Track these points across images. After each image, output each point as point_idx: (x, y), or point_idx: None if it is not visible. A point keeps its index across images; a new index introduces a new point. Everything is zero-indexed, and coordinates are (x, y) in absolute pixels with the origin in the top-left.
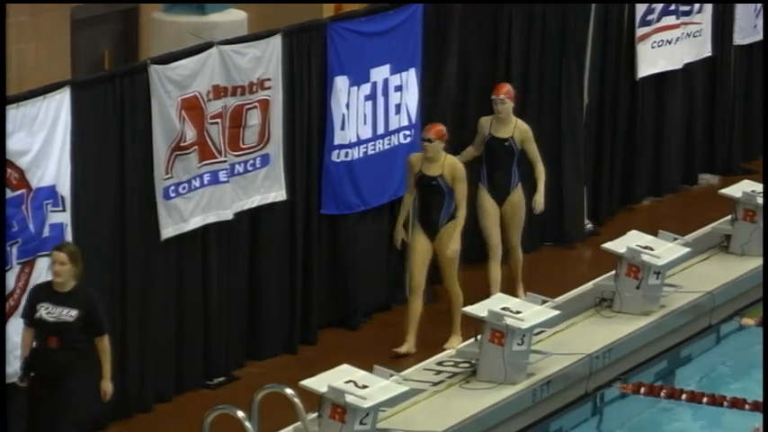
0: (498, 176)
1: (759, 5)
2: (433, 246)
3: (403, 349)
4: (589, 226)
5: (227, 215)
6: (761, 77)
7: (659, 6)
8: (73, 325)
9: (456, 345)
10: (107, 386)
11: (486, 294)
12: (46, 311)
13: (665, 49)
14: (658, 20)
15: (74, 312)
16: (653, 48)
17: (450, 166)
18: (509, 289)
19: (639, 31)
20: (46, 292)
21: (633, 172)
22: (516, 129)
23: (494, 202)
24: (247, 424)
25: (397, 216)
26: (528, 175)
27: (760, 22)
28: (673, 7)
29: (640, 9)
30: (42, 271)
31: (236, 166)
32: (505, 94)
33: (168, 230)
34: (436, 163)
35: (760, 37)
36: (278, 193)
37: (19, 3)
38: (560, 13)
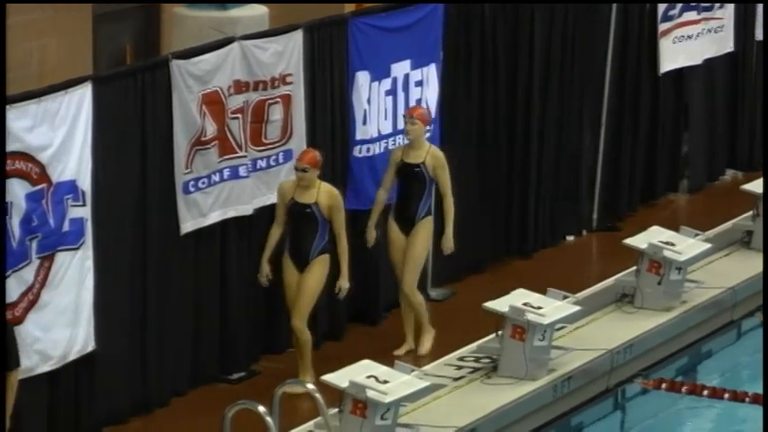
0: (406, 205)
1: None
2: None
3: (308, 379)
4: None
5: (247, 210)
6: None
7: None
8: None
9: (308, 380)
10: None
11: (507, 291)
12: None
13: (686, 45)
14: (680, 15)
15: None
16: (674, 43)
17: (326, 193)
18: (399, 343)
19: (661, 27)
20: None
21: (654, 167)
22: (429, 155)
23: (401, 234)
24: (268, 419)
25: (263, 251)
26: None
27: None
28: (694, 3)
29: (662, 4)
30: (62, 265)
31: (259, 162)
32: (418, 116)
33: (187, 225)
34: (311, 190)
35: None
36: None
37: (22, 3)
38: (582, 11)
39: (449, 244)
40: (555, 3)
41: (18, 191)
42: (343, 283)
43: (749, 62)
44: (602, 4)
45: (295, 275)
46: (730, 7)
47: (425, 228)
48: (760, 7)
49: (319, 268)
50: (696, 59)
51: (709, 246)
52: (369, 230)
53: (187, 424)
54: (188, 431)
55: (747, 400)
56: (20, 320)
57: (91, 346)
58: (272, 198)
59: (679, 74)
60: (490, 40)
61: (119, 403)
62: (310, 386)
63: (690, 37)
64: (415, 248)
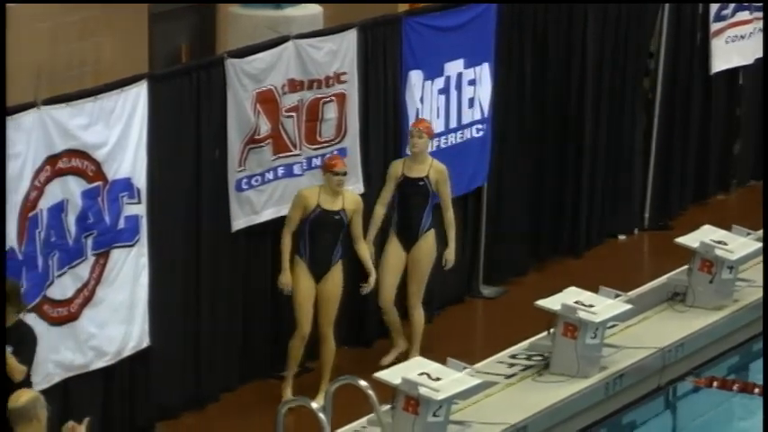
0: (409, 220)
1: None
2: (317, 286)
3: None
4: None
5: None
6: None
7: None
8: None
9: (321, 402)
10: None
11: (558, 289)
12: None
13: (739, 44)
14: (732, 15)
15: (8, 349)
16: (727, 43)
17: (351, 198)
18: (404, 356)
19: (714, 27)
20: None
21: (707, 167)
22: (432, 168)
23: (401, 253)
24: (321, 415)
25: (281, 257)
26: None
27: None
28: (747, 2)
29: (714, 4)
30: (117, 262)
31: (314, 160)
32: (424, 129)
33: (239, 222)
34: (338, 197)
35: None
36: (355, 186)
37: (80, 2)
38: (634, 11)
39: (451, 257)
40: (608, 3)
41: (74, 188)
42: (371, 282)
43: None
44: (652, 6)
45: (311, 283)
46: None
47: (428, 242)
48: None
49: (339, 274)
50: (749, 59)
51: (760, 245)
52: (368, 246)
53: (238, 420)
54: (239, 427)
55: None
56: (75, 317)
57: (146, 343)
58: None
59: (731, 73)
60: (543, 39)
61: (171, 399)
62: (363, 383)
63: (743, 37)
64: (421, 264)
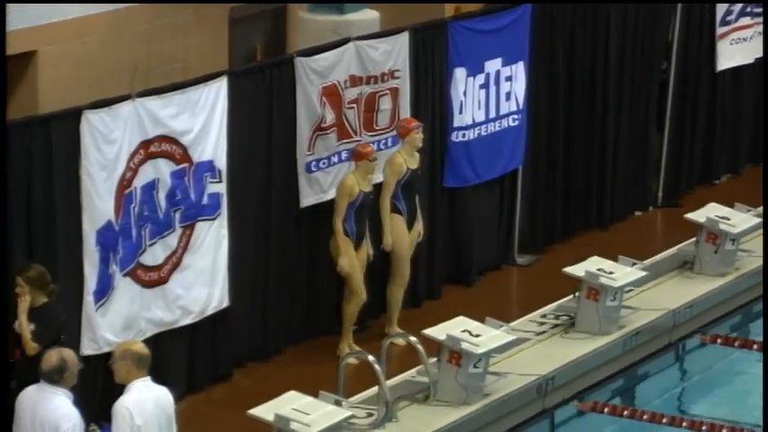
0: (412, 205)
1: None
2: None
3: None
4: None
5: None
6: None
7: (737, 8)
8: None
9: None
10: None
11: (583, 258)
12: (17, 324)
13: (741, 46)
14: (736, 20)
15: (32, 326)
16: (731, 44)
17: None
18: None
19: (720, 30)
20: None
21: (712, 152)
22: (419, 159)
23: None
24: (376, 366)
25: (339, 244)
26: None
27: None
28: (749, 9)
29: (720, 10)
30: (201, 233)
31: (372, 145)
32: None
33: (309, 200)
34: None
35: None
36: None
37: (169, 2)
38: (650, 18)
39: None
40: (628, 3)
41: (164, 169)
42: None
43: None
44: (667, 7)
45: (354, 257)
46: None
47: (420, 222)
48: None
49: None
50: (749, 58)
51: (759, 220)
52: (387, 237)
53: (301, 369)
54: (302, 374)
55: None
56: (165, 280)
57: (225, 303)
58: (382, 177)
59: (734, 71)
60: (571, 39)
61: (244, 351)
62: (413, 338)
63: (745, 39)
64: (416, 239)
